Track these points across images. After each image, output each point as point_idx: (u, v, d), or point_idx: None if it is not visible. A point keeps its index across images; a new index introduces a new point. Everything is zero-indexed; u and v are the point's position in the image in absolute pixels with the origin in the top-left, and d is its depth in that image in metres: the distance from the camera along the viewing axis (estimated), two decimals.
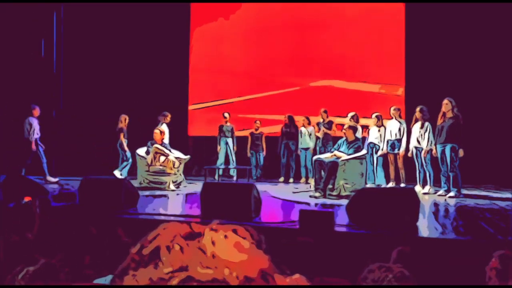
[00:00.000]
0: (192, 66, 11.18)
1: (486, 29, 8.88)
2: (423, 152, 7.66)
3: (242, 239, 0.57)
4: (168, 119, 9.38)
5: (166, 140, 9.09)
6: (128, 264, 0.55)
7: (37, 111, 8.84)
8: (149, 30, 10.64)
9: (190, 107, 11.12)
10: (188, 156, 8.70)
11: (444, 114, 7.19)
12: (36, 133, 8.75)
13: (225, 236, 0.56)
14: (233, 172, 9.96)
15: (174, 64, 10.86)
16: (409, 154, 7.94)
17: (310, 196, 7.16)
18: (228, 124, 10.00)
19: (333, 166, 7.07)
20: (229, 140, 9.95)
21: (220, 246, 0.55)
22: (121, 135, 9.20)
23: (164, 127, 9.24)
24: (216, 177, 9.64)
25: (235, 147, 9.99)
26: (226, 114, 10.04)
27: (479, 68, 8.91)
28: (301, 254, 3.08)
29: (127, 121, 9.33)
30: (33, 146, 8.65)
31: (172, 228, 0.57)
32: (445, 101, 7.19)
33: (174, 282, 0.51)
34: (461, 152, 7.01)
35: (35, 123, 8.76)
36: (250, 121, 10.25)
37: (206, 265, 0.52)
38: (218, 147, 9.95)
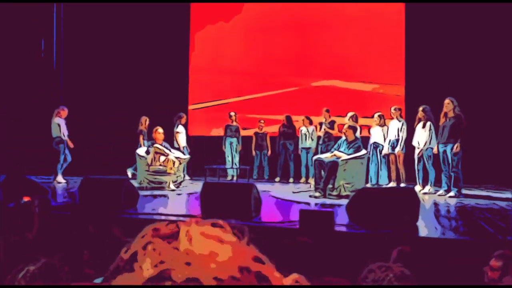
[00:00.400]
0: (192, 66, 11.18)
1: (486, 29, 8.88)
2: (417, 151, 7.63)
3: (222, 233, 0.56)
4: (184, 120, 9.48)
5: (184, 142, 9.20)
6: (116, 267, 0.55)
7: (65, 112, 8.92)
8: (149, 30, 10.63)
9: (190, 107, 11.12)
10: (188, 156, 8.71)
11: (445, 114, 7.19)
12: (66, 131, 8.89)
13: (202, 232, 0.55)
14: (233, 172, 9.94)
15: (174, 64, 10.86)
16: (415, 156, 7.83)
17: (310, 196, 7.16)
18: (234, 123, 9.99)
19: (333, 166, 7.07)
20: (233, 140, 9.93)
21: (197, 243, 0.54)
22: (141, 137, 9.23)
23: (181, 128, 9.32)
24: (230, 177, 9.75)
25: (239, 147, 9.96)
26: (232, 114, 10.02)
27: (479, 68, 8.90)
28: (301, 254, 3.08)
29: (147, 122, 9.39)
30: (71, 143, 8.79)
31: (158, 228, 0.57)
32: (447, 100, 7.19)
33: (147, 275, 0.50)
34: (457, 147, 6.98)
35: (63, 123, 8.86)
36: (250, 120, 10.24)
37: (180, 263, 0.51)
38: (223, 147, 9.94)
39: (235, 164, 9.89)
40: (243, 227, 0.58)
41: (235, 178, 9.83)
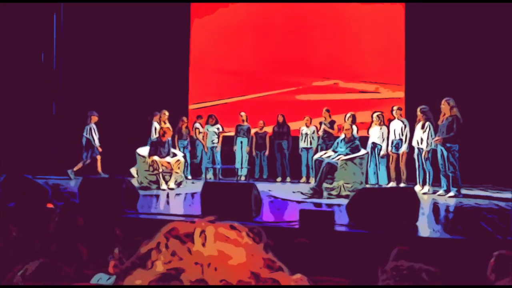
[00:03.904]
0: (193, 65, 11.17)
1: (486, 29, 8.87)
2: (423, 152, 7.62)
3: (238, 236, 0.55)
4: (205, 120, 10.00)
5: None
6: (131, 264, 0.55)
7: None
8: (149, 30, 10.63)
9: (191, 107, 11.12)
10: (182, 154, 8.84)
11: (443, 114, 7.22)
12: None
13: (218, 233, 0.54)
14: (241, 172, 9.89)
15: (174, 63, 10.86)
16: (415, 156, 7.86)
17: (302, 193, 7.23)
18: (245, 123, 9.98)
19: (331, 166, 7.09)
20: (244, 140, 9.92)
21: (210, 245, 0.53)
22: (176, 137, 9.59)
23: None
24: (241, 178, 9.72)
25: (248, 148, 9.94)
26: (243, 114, 10.00)
27: (479, 68, 8.90)
28: (301, 254, 3.08)
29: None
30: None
31: (175, 227, 0.56)
32: (443, 101, 7.22)
33: (157, 273, 0.50)
34: (436, 140, 7.08)
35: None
36: (250, 120, 10.23)
37: (190, 264, 0.51)
38: (234, 147, 9.93)
39: (245, 164, 9.86)
40: (260, 231, 0.57)
41: (242, 178, 9.76)
